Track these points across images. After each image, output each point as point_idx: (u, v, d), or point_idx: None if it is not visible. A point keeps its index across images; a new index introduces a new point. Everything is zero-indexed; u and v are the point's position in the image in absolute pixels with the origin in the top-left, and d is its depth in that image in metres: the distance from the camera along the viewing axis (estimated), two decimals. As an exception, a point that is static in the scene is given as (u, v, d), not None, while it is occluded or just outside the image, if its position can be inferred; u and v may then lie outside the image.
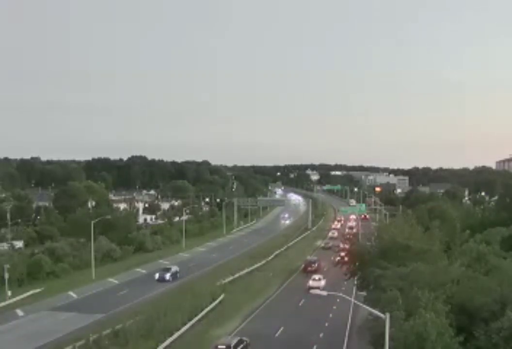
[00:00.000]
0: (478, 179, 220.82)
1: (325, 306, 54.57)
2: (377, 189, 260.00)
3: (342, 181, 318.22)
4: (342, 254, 67.86)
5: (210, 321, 49.80)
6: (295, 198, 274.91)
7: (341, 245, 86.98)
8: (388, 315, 26.85)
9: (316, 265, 77.51)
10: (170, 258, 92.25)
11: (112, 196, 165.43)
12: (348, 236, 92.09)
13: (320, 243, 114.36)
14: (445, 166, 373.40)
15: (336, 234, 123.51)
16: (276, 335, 46.11)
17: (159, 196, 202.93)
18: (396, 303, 30.45)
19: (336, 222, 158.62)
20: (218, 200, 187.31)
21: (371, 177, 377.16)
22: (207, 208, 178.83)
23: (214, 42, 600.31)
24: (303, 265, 79.56)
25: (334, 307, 54.71)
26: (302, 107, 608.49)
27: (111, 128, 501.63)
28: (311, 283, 63.35)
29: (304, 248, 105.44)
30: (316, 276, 66.58)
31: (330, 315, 52.45)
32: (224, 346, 38.37)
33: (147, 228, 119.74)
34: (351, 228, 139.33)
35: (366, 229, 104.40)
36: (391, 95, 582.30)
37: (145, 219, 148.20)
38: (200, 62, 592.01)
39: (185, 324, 46.16)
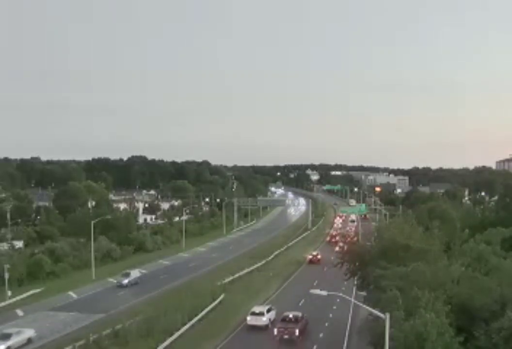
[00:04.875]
0: (478, 179, 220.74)
1: (325, 306, 54.56)
2: (377, 189, 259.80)
3: (342, 181, 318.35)
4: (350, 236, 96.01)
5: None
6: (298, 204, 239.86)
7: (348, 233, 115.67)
8: (388, 315, 26.83)
9: (337, 238, 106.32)
10: (170, 258, 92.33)
11: (112, 196, 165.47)
12: (350, 229, 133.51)
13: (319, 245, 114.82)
14: (445, 166, 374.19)
15: (340, 225, 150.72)
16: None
17: (159, 196, 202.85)
18: (396, 303, 30.42)
19: (338, 218, 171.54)
20: (218, 200, 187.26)
21: (371, 177, 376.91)
22: (207, 208, 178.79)
23: (215, 42, 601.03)
24: (328, 238, 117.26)
25: (334, 307, 54.74)
26: (302, 107, 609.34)
27: (111, 128, 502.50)
28: (337, 248, 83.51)
29: (305, 248, 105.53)
30: (340, 244, 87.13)
31: (330, 315, 52.47)
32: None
33: (147, 228, 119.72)
34: (353, 221, 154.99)
35: (366, 229, 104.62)
36: (391, 95, 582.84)
37: (145, 219, 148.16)
38: (201, 63, 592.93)
39: (185, 324, 46.16)
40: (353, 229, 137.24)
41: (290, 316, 46.29)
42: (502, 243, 60.92)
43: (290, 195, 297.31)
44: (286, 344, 42.91)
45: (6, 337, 42.06)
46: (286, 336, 43.42)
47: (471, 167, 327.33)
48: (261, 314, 48.23)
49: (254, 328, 47.42)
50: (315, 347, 42.47)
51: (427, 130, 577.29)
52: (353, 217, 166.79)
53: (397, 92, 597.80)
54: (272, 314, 49.13)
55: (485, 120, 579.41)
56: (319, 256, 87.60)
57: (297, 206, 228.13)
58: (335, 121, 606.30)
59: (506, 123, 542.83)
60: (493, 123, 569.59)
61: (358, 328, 40.11)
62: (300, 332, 43.84)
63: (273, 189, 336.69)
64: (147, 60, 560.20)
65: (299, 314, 46.88)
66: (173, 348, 41.67)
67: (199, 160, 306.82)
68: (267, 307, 50.12)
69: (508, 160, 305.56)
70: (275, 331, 44.13)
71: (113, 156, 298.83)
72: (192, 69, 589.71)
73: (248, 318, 48.34)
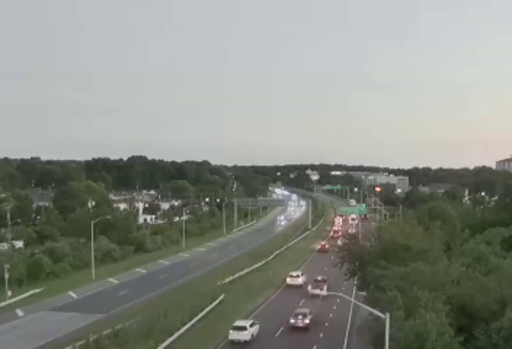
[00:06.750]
0: (478, 179, 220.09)
1: (325, 306, 54.56)
2: (377, 189, 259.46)
3: (342, 181, 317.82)
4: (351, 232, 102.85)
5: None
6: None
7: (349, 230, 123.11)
8: (388, 315, 26.85)
9: (340, 233, 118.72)
10: (170, 258, 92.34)
11: (112, 196, 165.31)
12: (351, 226, 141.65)
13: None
14: (445, 166, 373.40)
15: (341, 223, 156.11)
16: (276, 335, 46.16)
17: (159, 196, 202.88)
18: (396, 303, 30.43)
19: (338, 217, 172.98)
20: (218, 200, 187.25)
21: (371, 177, 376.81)
22: (207, 208, 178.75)
23: (216, 42, 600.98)
24: (331, 233, 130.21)
25: (334, 307, 54.74)
26: (302, 107, 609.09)
27: (111, 128, 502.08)
28: (339, 242, 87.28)
29: (305, 248, 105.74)
30: (341, 238, 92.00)
31: (330, 315, 52.47)
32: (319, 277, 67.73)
33: (147, 228, 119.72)
34: (353, 219, 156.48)
35: (366, 229, 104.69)
36: (391, 95, 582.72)
37: (145, 219, 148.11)
38: (201, 63, 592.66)
39: (185, 324, 46.17)
40: (354, 225, 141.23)
41: (319, 278, 65.66)
42: (502, 243, 60.97)
43: (294, 196, 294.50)
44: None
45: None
46: (317, 290, 59.31)
47: (471, 167, 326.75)
48: (297, 276, 68.14)
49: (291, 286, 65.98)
50: (315, 347, 42.51)
51: (427, 130, 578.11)
52: (353, 215, 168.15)
53: (397, 92, 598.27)
54: (304, 278, 68.44)
55: (485, 120, 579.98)
56: (327, 246, 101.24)
57: (297, 207, 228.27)
58: (335, 121, 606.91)
59: (506, 123, 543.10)
60: (493, 123, 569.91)
61: (358, 328, 40.13)
62: (326, 288, 60.23)
63: (276, 190, 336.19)
64: (147, 60, 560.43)
65: (325, 277, 65.94)
66: (173, 348, 41.72)
67: (199, 160, 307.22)
68: (301, 272, 70.56)
69: (508, 160, 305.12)
70: (309, 287, 62.05)
71: (113, 156, 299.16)
72: (192, 69, 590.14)
73: (288, 279, 68.02)
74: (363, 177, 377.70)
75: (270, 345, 43.49)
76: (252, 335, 44.02)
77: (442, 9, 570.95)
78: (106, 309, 53.92)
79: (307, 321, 47.48)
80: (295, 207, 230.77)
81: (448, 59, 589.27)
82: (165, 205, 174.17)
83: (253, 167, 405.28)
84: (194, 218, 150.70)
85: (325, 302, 55.22)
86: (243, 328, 43.66)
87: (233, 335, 43.29)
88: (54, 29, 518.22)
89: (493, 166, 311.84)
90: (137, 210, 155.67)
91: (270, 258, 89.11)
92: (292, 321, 47.69)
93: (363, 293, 45.84)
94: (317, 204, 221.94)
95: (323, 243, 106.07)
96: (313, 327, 47.63)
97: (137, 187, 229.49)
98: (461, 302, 32.70)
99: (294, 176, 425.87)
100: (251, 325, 44.51)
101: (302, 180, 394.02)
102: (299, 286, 66.01)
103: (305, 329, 47.17)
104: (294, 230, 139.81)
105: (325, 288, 60.48)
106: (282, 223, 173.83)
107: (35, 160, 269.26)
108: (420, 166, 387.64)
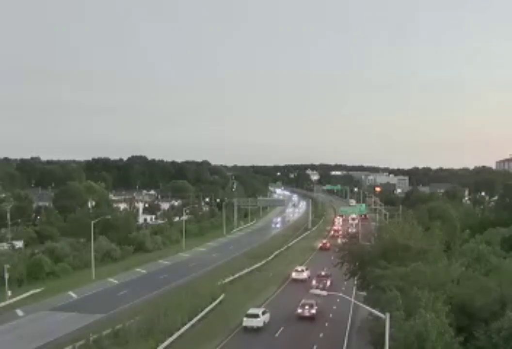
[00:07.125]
0: (478, 179, 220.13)
1: (325, 306, 54.55)
2: (377, 189, 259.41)
3: (342, 181, 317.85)
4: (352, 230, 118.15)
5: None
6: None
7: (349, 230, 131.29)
8: (388, 315, 26.82)
9: (340, 233, 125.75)
10: (170, 258, 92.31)
11: (112, 196, 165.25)
12: (351, 225, 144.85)
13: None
14: (445, 166, 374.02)
15: (341, 223, 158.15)
16: (276, 335, 46.19)
17: (159, 196, 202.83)
18: (396, 303, 30.43)
19: (338, 217, 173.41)
20: (218, 200, 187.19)
21: (371, 177, 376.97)
22: (207, 208, 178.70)
23: (215, 42, 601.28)
24: (332, 232, 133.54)
25: (334, 307, 54.74)
26: (302, 107, 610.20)
27: (111, 128, 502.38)
28: (339, 241, 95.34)
29: (305, 248, 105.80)
30: (341, 238, 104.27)
31: (330, 315, 52.49)
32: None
33: (147, 228, 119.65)
34: (353, 219, 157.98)
35: (366, 229, 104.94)
36: (391, 95, 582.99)
37: (145, 219, 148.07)
38: (201, 63, 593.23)
39: (185, 324, 46.18)
40: (354, 225, 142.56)
41: (323, 273, 68.95)
42: (502, 243, 61.00)
43: (295, 197, 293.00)
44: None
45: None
46: (321, 285, 62.14)
47: (471, 167, 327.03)
48: (302, 271, 72.70)
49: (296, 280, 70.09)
50: (315, 347, 42.52)
51: (427, 130, 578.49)
52: (353, 215, 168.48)
53: (397, 92, 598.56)
54: (308, 272, 72.81)
55: (485, 120, 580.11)
56: (328, 244, 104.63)
57: (296, 208, 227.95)
58: (336, 121, 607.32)
59: (506, 123, 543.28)
60: (493, 123, 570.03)
61: (358, 328, 40.14)
62: (330, 283, 65.05)
63: (277, 190, 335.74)
64: (147, 60, 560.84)
65: (329, 272, 68.37)
66: (173, 348, 41.71)
67: (199, 160, 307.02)
68: (305, 267, 75.36)
69: (508, 160, 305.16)
70: (314, 281, 65.50)
71: (113, 156, 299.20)
72: (192, 69, 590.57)
73: (293, 274, 72.03)
74: (363, 177, 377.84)
75: (270, 345, 43.55)
76: (264, 322, 47.92)
77: (442, 9, 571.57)
78: (106, 309, 53.92)
79: (313, 311, 50.82)
80: (294, 209, 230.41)
81: (448, 59, 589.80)
82: (165, 205, 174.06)
83: (253, 167, 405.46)
84: (194, 218, 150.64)
85: (325, 302, 55.14)
86: (256, 316, 47.77)
87: (247, 322, 47.20)
88: (54, 29, 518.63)
89: (493, 166, 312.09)
90: (137, 210, 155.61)
91: (270, 258, 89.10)
92: (299, 311, 51.01)
93: (363, 293, 45.83)
94: (317, 204, 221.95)
95: (324, 241, 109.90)
96: (313, 327, 47.66)
97: (137, 187, 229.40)
98: (461, 302, 32.70)
99: (294, 176, 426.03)
100: (263, 313, 48.66)
101: (302, 180, 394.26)
102: (303, 280, 69.77)
103: (311, 318, 50.40)
104: (294, 230, 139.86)
105: (328, 283, 64.55)
106: (278, 225, 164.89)
107: (35, 160, 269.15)
108: (420, 166, 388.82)
